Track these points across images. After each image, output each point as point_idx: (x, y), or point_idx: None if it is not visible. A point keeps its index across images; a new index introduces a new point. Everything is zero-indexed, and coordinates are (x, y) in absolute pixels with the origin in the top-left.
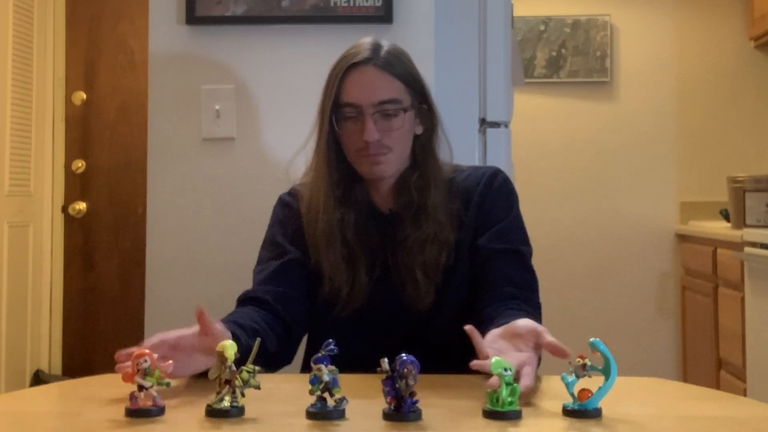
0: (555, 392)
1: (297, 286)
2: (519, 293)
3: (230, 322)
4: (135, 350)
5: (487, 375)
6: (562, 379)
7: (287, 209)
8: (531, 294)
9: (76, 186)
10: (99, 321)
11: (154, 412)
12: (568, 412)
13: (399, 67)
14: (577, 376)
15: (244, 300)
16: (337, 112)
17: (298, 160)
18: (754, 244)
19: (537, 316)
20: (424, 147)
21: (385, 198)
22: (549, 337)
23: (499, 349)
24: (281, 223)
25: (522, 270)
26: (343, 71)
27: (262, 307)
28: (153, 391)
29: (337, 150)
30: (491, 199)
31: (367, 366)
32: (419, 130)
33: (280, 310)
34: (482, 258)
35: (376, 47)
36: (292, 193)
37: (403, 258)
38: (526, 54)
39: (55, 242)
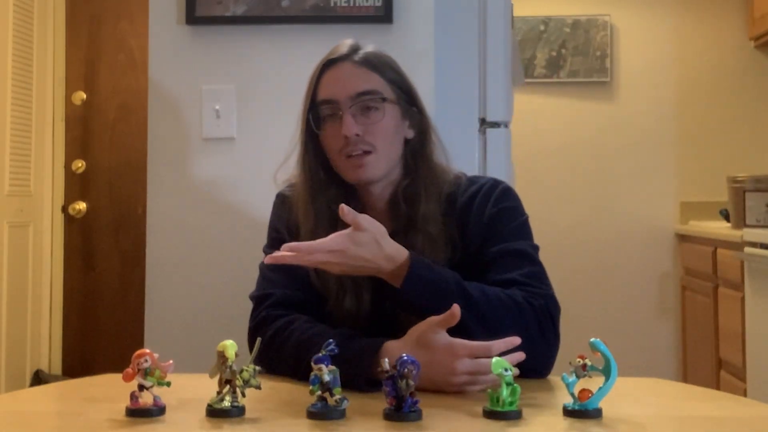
0: (555, 392)
1: (314, 293)
2: (524, 283)
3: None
4: None
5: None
6: (563, 379)
7: (288, 207)
8: (537, 284)
9: (76, 186)
10: (99, 321)
11: (155, 412)
12: (568, 412)
13: (380, 64)
14: (578, 377)
15: (274, 304)
16: (314, 112)
17: (288, 166)
18: (754, 244)
19: (543, 305)
20: (415, 153)
21: (380, 216)
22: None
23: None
24: (281, 220)
25: (526, 263)
26: (320, 70)
27: (302, 313)
28: (153, 391)
29: (324, 159)
30: (487, 225)
31: None
32: (410, 134)
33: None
34: (483, 264)
35: (355, 46)
36: (289, 193)
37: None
38: (526, 54)
39: (55, 242)
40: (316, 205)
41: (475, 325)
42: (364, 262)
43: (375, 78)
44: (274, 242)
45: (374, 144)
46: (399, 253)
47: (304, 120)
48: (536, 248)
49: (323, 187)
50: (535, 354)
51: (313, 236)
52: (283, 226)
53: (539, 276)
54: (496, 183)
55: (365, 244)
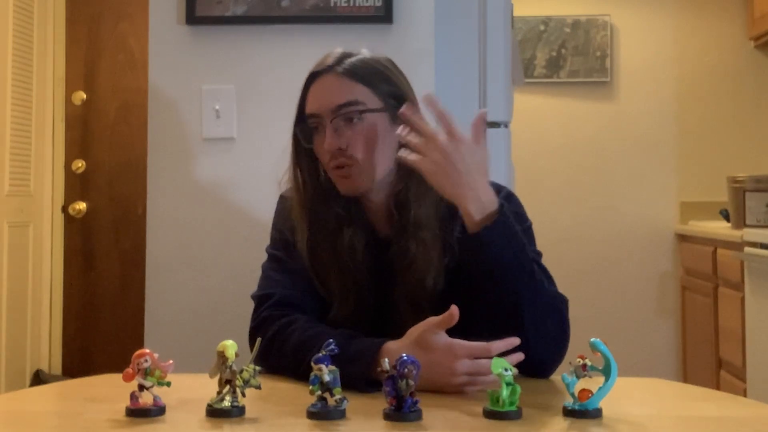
0: (555, 392)
1: (315, 294)
2: None
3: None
4: None
5: None
6: (563, 379)
7: (291, 209)
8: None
9: (76, 186)
10: (99, 321)
11: (155, 411)
12: (568, 412)
13: (365, 73)
14: (578, 377)
15: (276, 304)
16: (302, 126)
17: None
18: (754, 244)
19: (563, 309)
20: None
21: (380, 222)
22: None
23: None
24: (285, 222)
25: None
26: (306, 82)
27: (303, 313)
28: (153, 391)
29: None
30: None
31: None
32: None
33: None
34: None
35: (342, 56)
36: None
37: (390, 287)
38: (526, 54)
39: (55, 242)
40: (314, 213)
41: (525, 297)
42: (457, 175)
43: (358, 88)
44: (278, 243)
45: (357, 156)
46: (490, 201)
47: (294, 133)
48: (539, 254)
49: (323, 195)
50: (549, 351)
51: (310, 244)
52: (287, 228)
53: (547, 279)
54: (499, 188)
55: (468, 154)
